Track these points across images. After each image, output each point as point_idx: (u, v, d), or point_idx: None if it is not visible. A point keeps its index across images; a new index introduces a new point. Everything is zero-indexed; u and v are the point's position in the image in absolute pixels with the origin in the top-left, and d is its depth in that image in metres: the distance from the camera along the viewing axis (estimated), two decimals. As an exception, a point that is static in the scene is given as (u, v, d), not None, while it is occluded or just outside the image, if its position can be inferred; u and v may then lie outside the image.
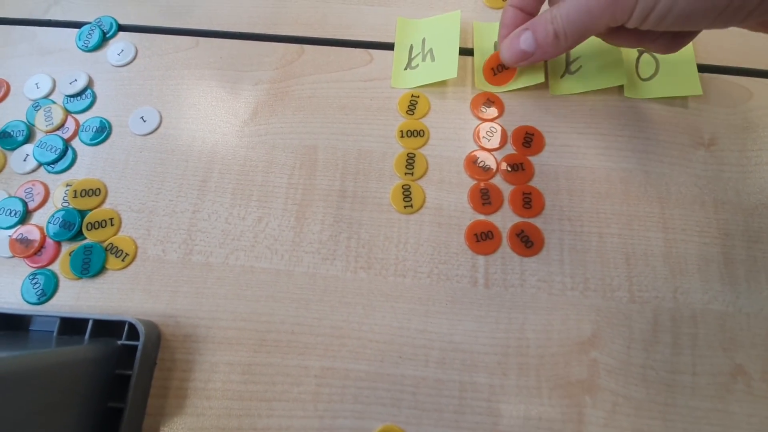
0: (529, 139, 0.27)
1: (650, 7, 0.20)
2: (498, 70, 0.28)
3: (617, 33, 0.24)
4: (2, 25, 0.31)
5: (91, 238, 0.25)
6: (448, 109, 0.28)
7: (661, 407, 0.22)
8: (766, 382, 0.23)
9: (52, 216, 0.26)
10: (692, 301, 0.24)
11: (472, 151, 0.27)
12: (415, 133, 0.27)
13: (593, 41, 0.28)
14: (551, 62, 0.29)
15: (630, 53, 0.29)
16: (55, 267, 0.25)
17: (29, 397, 0.18)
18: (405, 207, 0.26)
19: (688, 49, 0.28)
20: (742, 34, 0.30)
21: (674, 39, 0.23)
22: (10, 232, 0.26)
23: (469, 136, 0.27)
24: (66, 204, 0.26)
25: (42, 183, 0.27)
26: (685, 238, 0.25)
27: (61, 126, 0.28)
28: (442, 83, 0.29)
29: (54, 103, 0.29)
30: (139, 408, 0.22)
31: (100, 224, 0.26)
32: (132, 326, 0.22)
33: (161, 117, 0.28)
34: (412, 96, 0.28)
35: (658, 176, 0.26)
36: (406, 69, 0.29)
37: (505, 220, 0.26)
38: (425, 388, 0.23)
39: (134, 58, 0.30)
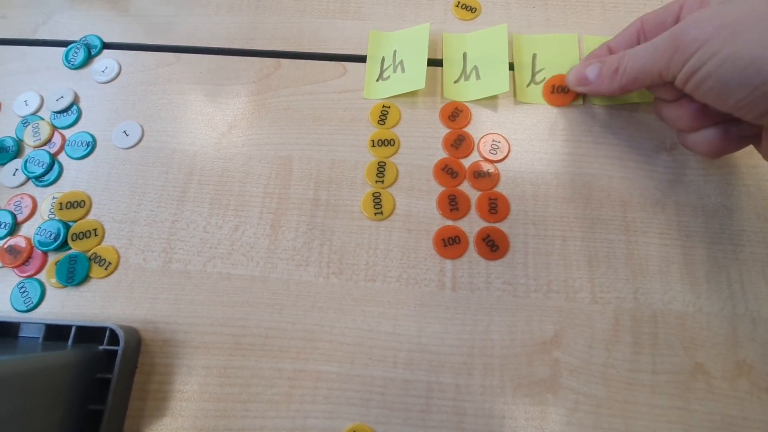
0: (495, 147, 0.28)
1: (700, 63, 0.20)
2: (557, 90, 0.29)
3: (673, 102, 0.24)
4: (-7, 45, 0.33)
5: (75, 248, 0.27)
6: (418, 118, 0.29)
7: (621, 405, 0.23)
8: (726, 380, 0.23)
9: (39, 227, 0.27)
10: (653, 301, 0.25)
11: (441, 159, 0.28)
12: (386, 143, 0.28)
13: (555, 49, 0.29)
14: (517, 71, 0.30)
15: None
16: (42, 276, 0.26)
17: (13, 399, 0.19)
18: (375, 214, 0.27)
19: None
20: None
21: (724, 136, 0.23)
22: (0, 243, 0.27)
23: (438, 144, 0.28)
24: (52, 216, 0.27)
25: (30, 196, 0.28)
26: (646, 241, 0.26)
27: (48, 141, 0.29)
28: (413, 93, 0.30)
29: (42, 119, 0.30)
30: (119, 410, 0.23)
31: (84, 235, 0.27)
32: (113, 332, 0.24)
33: (143, 131, 0.30)
34: (384, 106, 0.29)
35: (621, 180, 0.27)
36: (378, 80, 0.30)
37: (472, 225, 0.26)
38: (393, 388, 0.24)
39: (118, 75, 0.31)
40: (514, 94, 0.29)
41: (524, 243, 0.26)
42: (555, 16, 0.31)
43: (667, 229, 0.26)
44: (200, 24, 0.32)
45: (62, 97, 0.30)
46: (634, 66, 0.23)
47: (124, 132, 0.29)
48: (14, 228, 0.27)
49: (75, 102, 0.31)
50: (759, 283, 0.25)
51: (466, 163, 0.28)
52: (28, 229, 0.27)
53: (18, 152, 0.29)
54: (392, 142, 0.28)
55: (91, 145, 0.29)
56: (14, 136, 0.30)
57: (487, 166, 0.27)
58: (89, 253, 0.27)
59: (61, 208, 0.27)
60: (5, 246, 0.27)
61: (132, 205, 0.28)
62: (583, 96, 0.29)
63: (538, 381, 0.23)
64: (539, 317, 0.24)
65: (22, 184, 0.29)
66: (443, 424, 0.23)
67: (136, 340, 0.25)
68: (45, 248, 0.27)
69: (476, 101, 0.29)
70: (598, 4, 0.32)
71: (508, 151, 0.28)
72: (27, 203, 0.28)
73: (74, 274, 0.26)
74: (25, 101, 0.31)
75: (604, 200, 0.27)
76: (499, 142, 0.28)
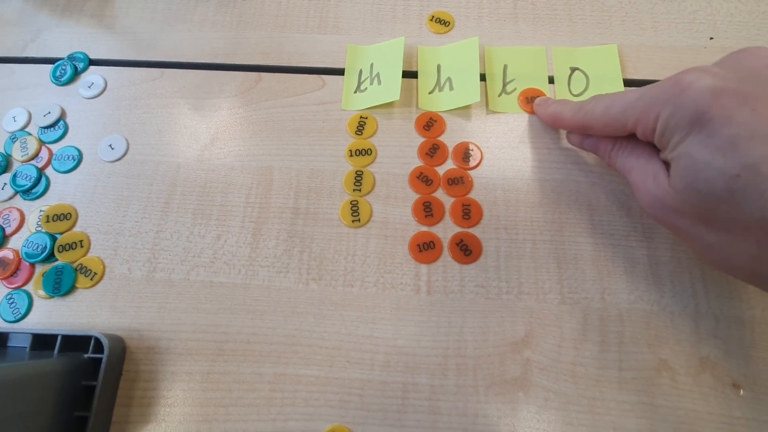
0: (468, 154, 0.29)
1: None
2: (531, 100, 0.30)
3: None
4: (-18, 63, 0.34)
5: (62, 259, 0.27)
6: (394, 128, 0.30)
7: (589, 401, 0.24)
8: (690, 376, 0.24)
9: (27, 240, 0.28)
10: (619, 301, 0.26)
11: (416, 167, 0.29)
12: (363, 152, 0.29)
13: (524, 60, 0.31)
14: (489, 82, 0.31)
15: (563, 71, 0.31)
16: (30, 287, 0.27)
17: (1, 406, 0.20)
18: (353, 221, 0.28)
19: (615, 66, 0.31)
20: (674, 50, 0.32)
21: None
22: (-12, 256, 0.28)
23: (413, 153, 0.29)
24: (39, 228, 0.28)
25: (18, 209, 0.29)
26: (612, 243, 0.27)
27: (36, 156, 0.30)
28: (389, 104, 0.31)
29: (29, 134, 0.31)
30: (104, 417, 0.24)
31: (70, 246, 0.28)
32: (98, 340, 0.24)
33: (128, 144, 0.30)
34: (361, 117, 0.30)
35: (588, 185, 0.28)
36: (355, 92, 0.31)
37: (446, 230, 0.27)
38: (371, 389, 0.24)
39: (104, 90, 0.32)
40: (487, 104, 0.31)
41: (496, 247, 0.27)
42: (525, 28, 0.33)
43: (633, 231, 0.27)
44: (184, 40, 0.34)
45: (49, 112, 0.31)
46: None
47: (110, 146, 0.30)
48: (2, 241, 0.28)
49: (62, 117, 0.31)
50: (721, 282, 0.26)
51: (441, 170, 0.29)
52: (16, 242, 0.28)
53: (6, 167, 0.30)
54: (369, 152, 0.29)
55: (78, 159, 0.30)
56: (3, 151, 0.31)
57: (460, 174, 0.29)
58: (75, 264, 0.27)
59: (47, 221, 0.28)
60: (-6, 258, 0.28)
61: (117, 217, 0.28)
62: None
63: (509, 380, 0.24)
64: (511, 318, 0.25)
65: (10, 198, 0.29)
66: (419, 424, 0.24)
67: (120, 348, 0.25)
68: (32, 260, 0.27)
69: (450, 111, 0.30)
70: (565, 17, 0.33)
71: (481, 159, 0.29)
72: (15, 216, 0.29)
73: (60, 284, 0.27)
74: (14, 117, 0.32)
75: (572, 204, 0.28)
76: (472, 150, 0.29)
